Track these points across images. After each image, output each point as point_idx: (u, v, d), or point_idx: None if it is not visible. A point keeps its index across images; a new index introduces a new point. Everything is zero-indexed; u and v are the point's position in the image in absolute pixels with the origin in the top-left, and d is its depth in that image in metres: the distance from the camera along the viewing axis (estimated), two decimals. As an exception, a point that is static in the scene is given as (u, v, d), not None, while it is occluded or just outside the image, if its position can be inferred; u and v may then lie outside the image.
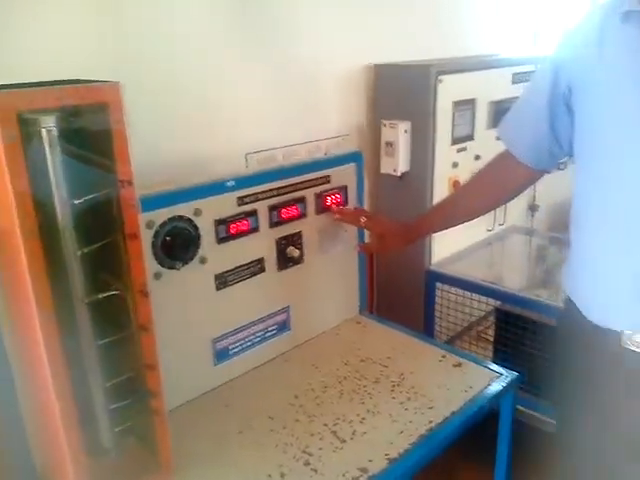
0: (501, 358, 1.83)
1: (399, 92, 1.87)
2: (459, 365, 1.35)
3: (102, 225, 0.91)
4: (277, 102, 1.67)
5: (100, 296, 0.91)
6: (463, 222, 1.35)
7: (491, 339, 1.95)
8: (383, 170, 1.91)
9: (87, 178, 0.88)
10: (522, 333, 1.78)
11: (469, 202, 1.30)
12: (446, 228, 1.39)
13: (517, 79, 2.07)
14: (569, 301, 1.09)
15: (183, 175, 1.34)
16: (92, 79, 0.85)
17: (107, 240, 0.90)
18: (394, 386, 1.28)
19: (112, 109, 0.83)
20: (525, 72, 2.08)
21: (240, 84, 1.55)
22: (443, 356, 1.39)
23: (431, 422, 1.16)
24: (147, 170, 1.29)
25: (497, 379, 1.29)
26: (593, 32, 0.96)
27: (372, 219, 1.43)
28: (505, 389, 1.28)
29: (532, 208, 2.42)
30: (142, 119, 1.31)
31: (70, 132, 0.85)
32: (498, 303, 1.87)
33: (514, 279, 2.16)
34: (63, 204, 0.86)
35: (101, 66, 1.19)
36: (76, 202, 0.87)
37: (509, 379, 1.30)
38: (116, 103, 0.83)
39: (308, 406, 1.22)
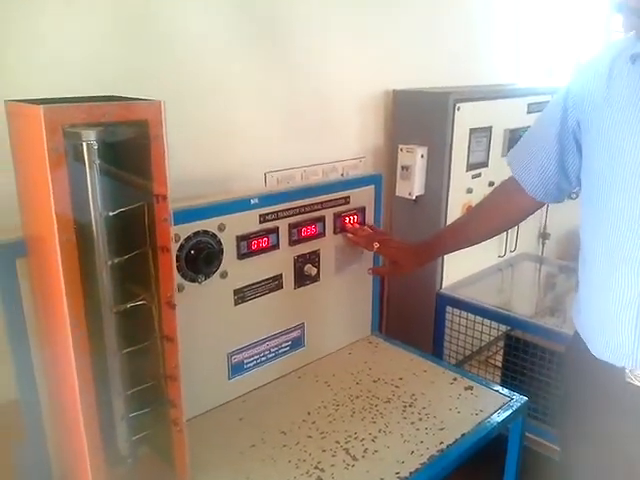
0: (509, 384, 1.84)
1: (417, 118, 1.90)
2: (470, 388, 1.37)
3: (133, 237, 0.94)
4: (297, 122, 1.70)
5: (128, 306, 0.94)
6: (474, 244, 1.38)
7: (499, 365, 1.96)
8: (398, 193, 1.94)
9: (122, 191, 0.92)
10: (531, 359, 1.79)
11: (477, 225, 1.34)
12: (458, 249, 1.42)
13: (532, 109, 2.11)
14: (577, 334, 1.11)
15: (203, 191, 1.38)
16: (130, 96, 0.89)
17: (138, 252, 0.93)
18: (405, 406, 1.29)
19: (152, 126, 0.86)
20: (540, 102, 2.12)
21: (261, 104, 1.58)
22: (454, 379, 1.41)
23: (442, 443, 1.17)
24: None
25: (507, 404, 1.31)
26: (603, 69, 0.98)
27: (384, 245, 1.46)
28: (515, 414, 1.29)
29: (543, 236, 2.45)
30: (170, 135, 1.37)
31: (109, 146, 0.89)
32: (508, 328, 1.89)
33: (523, 305, 2.17)
34: (98, 215, 0.90)
35: (126, 79, 1.24)
36: (111, 214, 0.90)
37: (519, 404, 1.31)
38: (156, 120, 0.86)
39: (320, 423, 1.24)
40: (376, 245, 1.43)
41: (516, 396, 1.33)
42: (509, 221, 1.34)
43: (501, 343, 1.97)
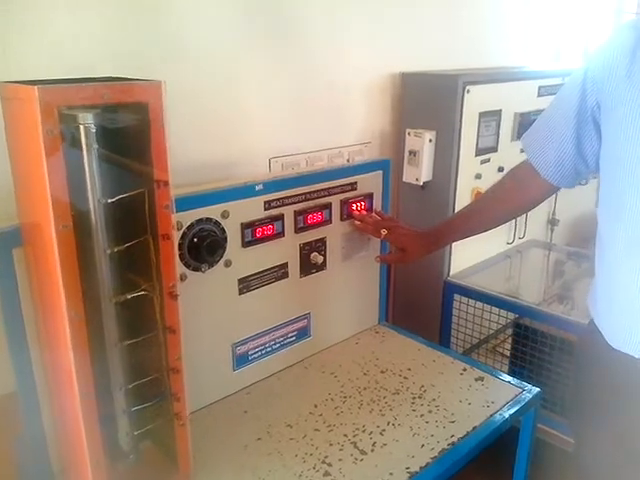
0: (517, 373, 1.81)
1: (425, 101, 1.85)
2: (480, 379, 1.33)
3: (133, 225, 0.90)
4: (302, 107, 1.66)
5: (128, 296, 0.90)
6: (483, 231, 1.34)
7: (507, 353, 1.93)
8: (405, 179, 1.89)
9: (122, 177, 0.88)
10: (540, 348, 1.76)
11: (489, 211, 1.29)
12: (467, 236, 1.38)
13: (543, 92, 2.06)
14: (592, 323, 1.08)
15: (205, 177, 1.35)
16: (131, 77, 0.85)
17: (138, 240, 0.89)
18: (414, 398, 1.26)
19: (152, 108, 0.82)
20: (551, 85, 2.07)
21: (265, 89, 1.54)
22: (464, 369, 1.37)
23: (453, 436, 1.14)
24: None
25: (519, 395, 1.27)
26: (624, 48, 0.94)
27: (392, 232, 1.41)
28: (527, 405, 1.26)
29: (552, 222, 2.41)
30: (173, 120, 1.33)
31: (108, 130, 0.85)
32: (516, 316, 1.85)
33: (531, 293, 2.14)
34: (97, 202, 0.85)
35: (130, 66, 1.19)
36: (109, 201, 0.86)
37: (531, 395, 1.28)
38: (157, 102, 0.82)
39: (327, 415, 1.20)
40: (384, 232, 1.39)
41: (528, 387, 1.30)
42: (521, 207, 1.29)
43: (509, 331, 1.94)
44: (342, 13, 1.67)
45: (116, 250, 0.89)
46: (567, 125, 1.05)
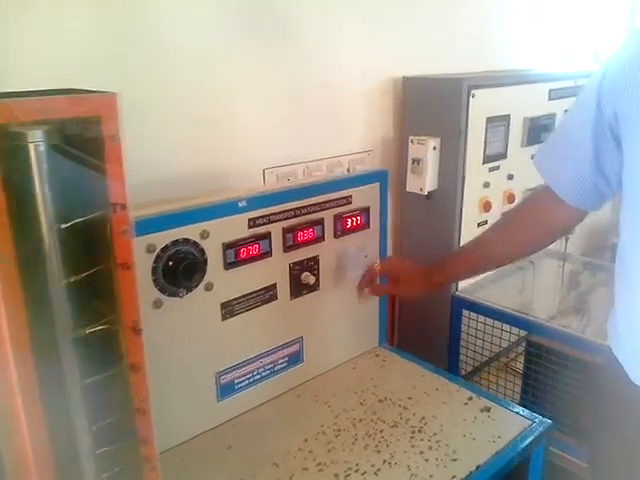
0: (531, 394, 1.70)
1: (429, 107, 1.75)
2: (487, 410, 1.22)
3: (93, 251, 0.81)
4: (299, 114, 1.56)
5: (87, 331, 0.81)
6: (496, 266, 1.23)
7: (520, 371, 1.82)
8: (409, 188, 1.79)
9: (78, 199, 0.79)
10: (553, 367, 1.65)
11: (505, 242, 1.16)
12: (476, 273, 1.27)
13: (554, 95, 1.95)
14: (612, 354, 0.97)
15: (193, 192, 1.26)
16: (87, 89, 0.76)
17: (96, 269, 0.80)
18: (414, 432, 1.15)
19: (106, 123, 0.73)
20: (563, 88, 1.96)
21: (257, 95, 1.45)
22: (470, 398, 1.26)
23: (454, 478, 1.03)
24: (153, 186, 1.23)
25: (529, 428, 1.16)
26: None
27: (385, 262, 1.33)
28: (537, 440, 1.15)
29: (566, 231, 2.28)
30: (154, 131, 1.24)
31: (61, 148, 0.76)
32: (528, 333, 1.75)
33: (545, 305, 2.04)
34: (48, 228, 0.77)
35: (117, 76, 1.14)
36: (63, 226, 0.78)
37: (542, 428, 1.17)
38: (110, 116, 0.73)
39: (318, 452, 1.10)
40: (376, 264, 1.30)
41: (539, 419, 1.19)
42: (542, 237, 1.14)
43: (522, 348, 1.83)
44: (337, 13, 1.58)
45: (72, 280, 0.80)
46: (583, 140, 0.93)
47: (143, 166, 1.24)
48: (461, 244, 1.75)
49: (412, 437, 1.14)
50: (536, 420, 1.19)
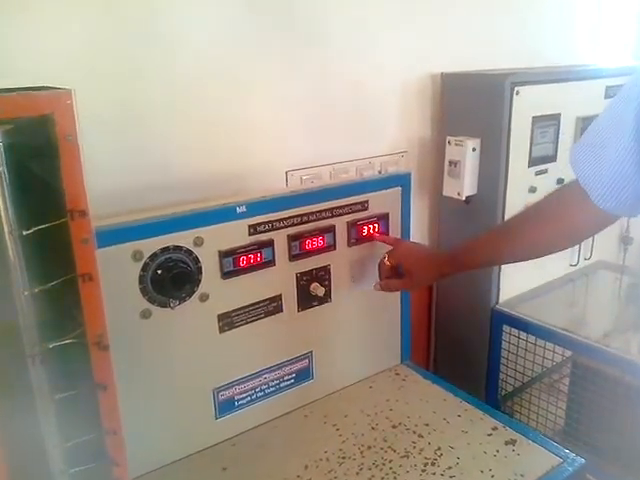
0: (575, 420, 1.55)
1: (468, 105, 1.62)
2: (512, 442, 1.09)
3: (59, 261, 0.75)
4: (327, 113, 1.47)
5: (50, 346, 0.76)
6: (515, 260, 1.10)
7: (565, 392, 1.67)
8: (445, 193, 1.66)
9: (39, 205, 0.73)
10: (601, 392, 1.49)
11: (524, 234, 1.03)
12: (493, 264, 1.15)
13: (611, 93, 1.77)
14: None
15: (209, 195, 1.20)
16: (40, 85, 0.70)
17: (62, 279, 0.74)
18: (426, 465, 1.04)
19: (60, 122, 0.67)
20: (621, 85, 1.77)
21: (280, 92, 1.36)
22: (494, 428, 1.14)
23: (466, 522, 0.92)
24: (166, 190, 1.17)
25: (558, 467, 1.03)
26: None
27: (393, 253, 1.19)
28: (568, 480, 1.01)
29: (624, 241, 2.09)
30: (168, 132, 1.19)
31: (20, 148, 0.71)
32: (575, 353, 1.59)
33: (599, 322, 1.86)
34: (9, 233, 0.71)
35: (130, 76, 1.10)
36: (25, 233, 0.72)
37: (573, 468, 1.03)
38: (65, 115, 0.67)
39: (318, 482, 1.01)
40: (385, 258, 1.18)
41: (571, 457, 1.05)
42: (566, 235, 1.00)
43: (568, 369, 1.67)
44: (374, 5, 1.47)
45: (37, 291, 0.74)
46: (624, 135, 0.81)
47: (156, 167, 1.20)
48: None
49: (424, 470, 1.03)
50: (568, 458, 1.05)
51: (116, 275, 0.92)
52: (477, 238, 1.14)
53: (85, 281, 0.72)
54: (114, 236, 0.90)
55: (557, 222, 0.97)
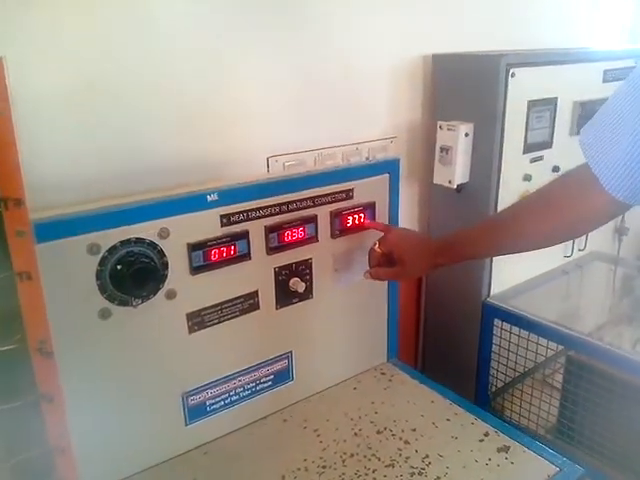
0: (568, 417, 1.48)
1: (461, 88, 1.53)
2: (505, 449, 1.02)
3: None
4: (312, 96, 1.37)
5: (-14, 353, 0.67)
6: (515, 251, 1.01)
7: (558, 387, 1.60)
8: (436, 180, 1.58)
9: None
10: (596, 390, 1.43)
11: (525, 224, 0.94)
12: (490, 255, 1.07)
13: (609, 76, 1.69)
14: None
15: (186, 183, 1.11)
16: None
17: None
18: (413, 474, 0.96)
19: (-14, 95, 0.57)
20: (620, 69, 1.71)
21: (261, 76, 1.26)
22: (486, 433, 1.06)
23: (455, 540, 0.84)
24: (141, 176, 1.08)
25: (554, 476, 0.95)
26: None
27: (385, 240, 1.10)
28: (564, 491, 0.94)
29: (620, 231, 2.03)
30: (143, 117, 1.09)
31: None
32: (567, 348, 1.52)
33: (593, 313, 1.81)
34: None
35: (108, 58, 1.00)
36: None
37: (571, 477, 0.96)
38: (-6, 87, 0.57)
39: (294, 494, 0.93)
40: (376, 245, 1.09)
41: (568, 465, 0.98)
42: (572, 225, 0.92)
43: (561, 362, 1.60)
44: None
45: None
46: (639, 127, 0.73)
47: (128, 152, 1.10)
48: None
49: (409, 481, 0.95)
50: (565, 467, 0.97)
51: (70, 271, 0.82)
52: (474, 227, 1.05)
53: (23, 280, 0.63)
54: (67, 227, 0.81)
55: (562, 211, 0.89)
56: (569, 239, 0.97)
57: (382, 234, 1.13)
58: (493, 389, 1.68)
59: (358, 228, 1.15)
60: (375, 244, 1.09)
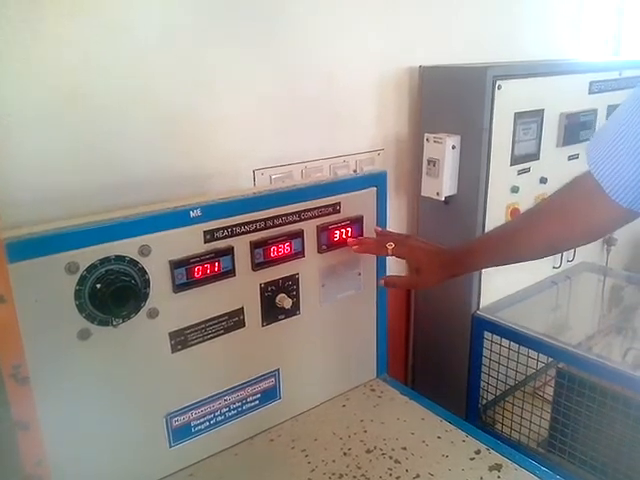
0: (559, 431, 1.46)
1: (448, 100, 1.52)
2: (497, 468, 1.00)
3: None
4: (295, 109, 1.35)
5: (-43, 379, 0.64)
6: (523, 259, 1.01)
7: (549, 400, 1.58)
8: (424, 193, 1.57)
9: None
10: (587, 403, 1.41)
11: (534, 234, 0.95)
12: (501, 264, 1.06)
13: (596, 88, 1.69)
14: None
15: (174, 193, 1.09)
16: None
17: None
18: (404, 496, 0.94)
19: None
20: (606, 80, 1.71)
21: (246, 86, 1.24)
22: (477, 451, 1.04)
23: None
24: (119, 190, 1.06)
25: (549, 495, 0.94)
26: None
27: (402, 245, 1.09)
28: (559, 511, 0.92)
29: (608, 242, 2.03)
30: (120, 128, 1.07)
31: None
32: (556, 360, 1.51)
33: (582, 324, 1.80)
34: None
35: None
36: None
37: (566, 496, 0.94)
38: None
39: (281, 518, 0.91)
40: (390, 246, 1.07)
41: (562, 482, 0.96)
42: (579, 234, 0.93)
43: (551, 376, 1.59)
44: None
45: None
46: None
47: (108, 166, 1.07)
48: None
49: (400, 503, 0.93)
50: (559, 485, 0.96)
51: (47, 291, 0.80)
52: (490, 236, 1.07)
53: (-5, 304, 0.60)
54: (44, 245, 0.78)
55: (568, 219, 0.90)
56: (585, 243, 0.97)
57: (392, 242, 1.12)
58: (484, 402, 1.66)
59: (342, 244, 1.13)
60: (390, 246, 1.08)
